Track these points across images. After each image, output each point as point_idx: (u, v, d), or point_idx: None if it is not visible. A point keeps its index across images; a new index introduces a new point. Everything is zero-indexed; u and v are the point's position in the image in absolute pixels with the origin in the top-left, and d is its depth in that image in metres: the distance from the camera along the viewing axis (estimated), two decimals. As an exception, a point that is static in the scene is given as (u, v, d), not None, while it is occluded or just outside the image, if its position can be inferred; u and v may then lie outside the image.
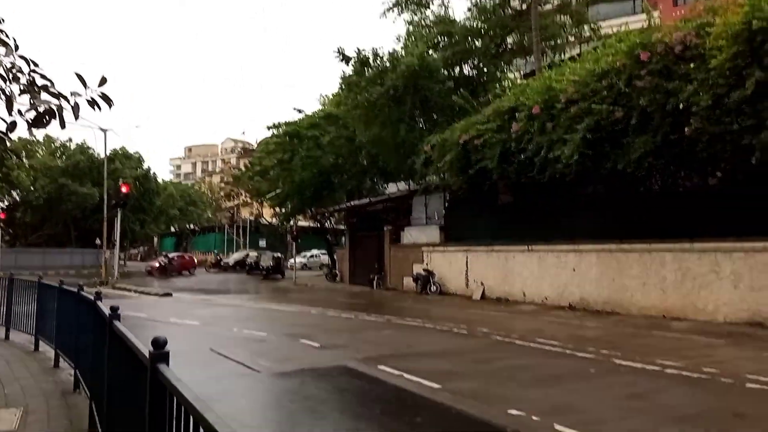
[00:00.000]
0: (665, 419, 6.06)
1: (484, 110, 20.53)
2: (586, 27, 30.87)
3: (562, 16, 31.21)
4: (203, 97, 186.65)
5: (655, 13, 16.80)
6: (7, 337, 11.46)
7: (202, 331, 13.75)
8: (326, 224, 42.34)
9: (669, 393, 7.16)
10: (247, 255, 48.51)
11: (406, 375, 8.15)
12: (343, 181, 31.68)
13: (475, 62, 27.78)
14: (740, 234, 12.81)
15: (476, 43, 27.59)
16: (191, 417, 2.08)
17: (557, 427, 5.77)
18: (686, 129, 12.37)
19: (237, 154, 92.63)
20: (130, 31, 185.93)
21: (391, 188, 30.23)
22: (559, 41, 30.78)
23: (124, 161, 52.80)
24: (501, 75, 28.14)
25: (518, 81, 27.51)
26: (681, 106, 12.45)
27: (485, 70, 27.44)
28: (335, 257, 36.70)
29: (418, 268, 23.86)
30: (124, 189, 32.65)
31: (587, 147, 14.66)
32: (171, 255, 49.30)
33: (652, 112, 13.28)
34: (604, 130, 14.44)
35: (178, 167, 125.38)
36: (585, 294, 16.64)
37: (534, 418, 6.11)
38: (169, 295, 24.70)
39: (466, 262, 21.63)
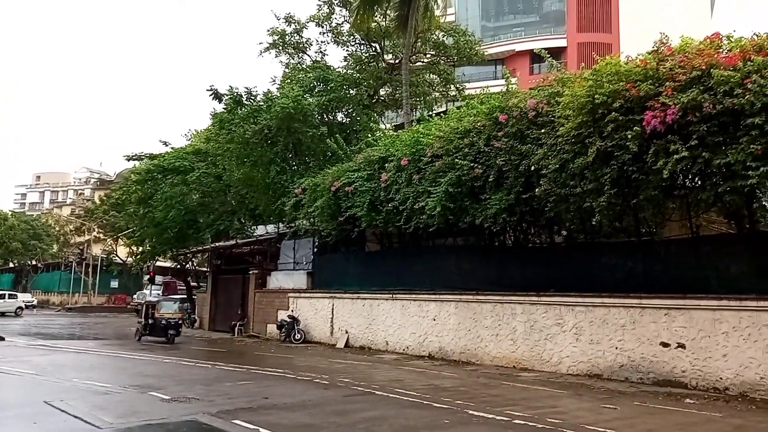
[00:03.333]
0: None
1: (355, 158, 20.93)
2: (452, 86, 32.96)
3: (430, 74, 33.12)
4: (59, 122, 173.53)
5: (513, 80, 18.22)
6: None
7: (36, 381, 12.46)
8: (187, 265, 40.40)
9: (516, 443, 7.47)
10: None
11: (261, 429, 7.84)
12: (210, 222, 30.50)
13: (349, 110, 28.45)
14: (581, 290, 13.89)
15: (351, 91, 28.32)
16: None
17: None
18: (536, 189, 13.38)
19: (92, 185, 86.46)
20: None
21: (260, 230, 29.63)
22: (427, 97, 32.55)
23: (-41, 187, 47.29)
24: (373, 125, 28.97)
25: (389, 132, 28.50)
26: (532, 167, 13.47)
27: (358, 118, 28.15)
28: (195, 301, 34.94)
29: (283, 315, 23.35)
30: (-46, 218, 29.04)
31: (449, 200, 15.36)
32: None
33: (508, 172, 14.26)
34: (465, 185, 15.24)
35: (24, 196, 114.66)
36: (444, 343, 17.13)
37: (388, 473, 6.07)
38: (0, 339, 22.09)
39: (332, 309, 21.54)
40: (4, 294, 43.40)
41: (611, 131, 11.67)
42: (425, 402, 10.09)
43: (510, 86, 17.69)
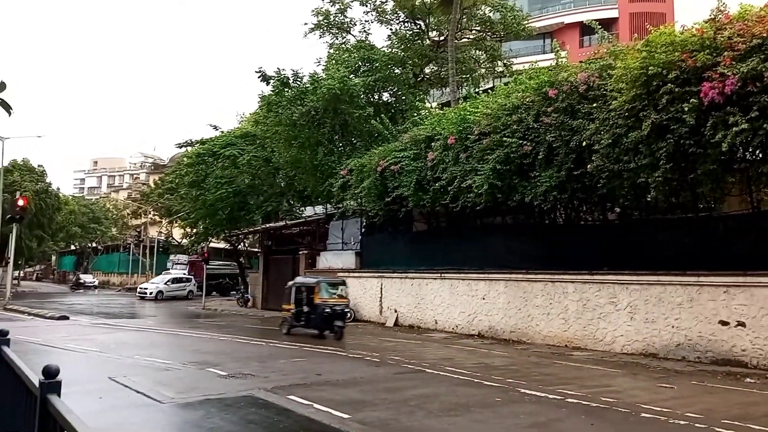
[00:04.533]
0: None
1: (401, 137, 20.92)
2: (499, 62, 32.33)
3: (477, 51, 32.57)
4: (115, 109, 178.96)
5: (563, 53, 17.75)
6: None
7: (101, 358, 13.01)
8: (239, 246, 41.33)
9: (569, 422, 7.44)
10: None
11: (315, 405, 8.02)
12: (260, 203, 31.15)
13: (395, 90, 28.34)
14: (636, 267, 13.58)
15: (396, 70, 28.19)
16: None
17: (463, 458, 5.83)
18: (588, 165, 13.09)
19: (147, 169, 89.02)
20: (34, 38, 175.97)
21: (309, 211, 30.03)
22: (473, 74, 32.06)
23: (24, 174, 49.46)
24: (419, 104, 28.82)
25: (435, 111, 28.29)
26: (584, 143, 13.18)
27: (404, 98, 28.03)
28: (248, 281, 35.83)
29: (332, 294, 23.65)
30: (21, 202, 30.46)
31: (497, 178, 15.21)
32: None
33: (558, 148, 13.99)
34: (514, 162, 15.05)
35: (83, 180, 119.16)
36: (493, 322, 17.09)
37: (441, 449, 6.15)
38: (65, 318, 23.22)
39: (381, 288, 21.73)
40: None
41: (666, 104, 11.31)
42: (476, 380, 10.13)
43: (560, 60, 17.26)
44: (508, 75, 29.67)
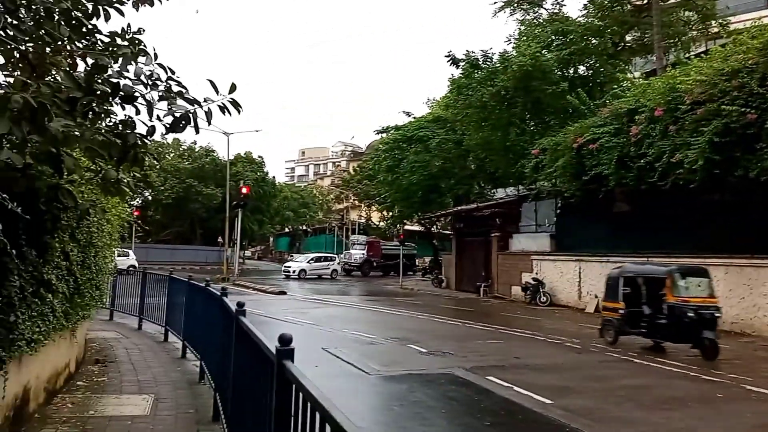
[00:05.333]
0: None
1: (600, 112, 19.82)
2: (713, 22, 28.80)
3: (686, 11, 29.34)
4: (319, 100, 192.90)
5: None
6: (140, 326, 12.46)
7: (314, 330, 14.25)
8: (432, 229, 42.40)
9: (810, 427, 6.55)
10: None
11: (515, 387, 8.04)
12: (451, 186, 31.64)
13: (591, 62, 26.77)
14: None
15: (592, 41, 26.55)
16: (318, 414, 2.13)
17: (679, 455, 5.44)
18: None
19: (347, 157, 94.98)
20: (249, 38, 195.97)
21: (500, 193, 29.79)
22: (683, 38, 28.97)
23: (246, 164, 55.66)
24: (619, 75, 26.88)
25: (638, 81, 26.16)
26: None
27: (602, 69, 26.37)
28: (441, 262, 36.68)
29: (526, 277, 23.30)
30: (244, 190, 34.57)
31: (715, 152, 13.76)
32: None
33: (792, 115, 12.18)
34: (735, 133, 13.49)
35: (292, 169, 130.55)
36: (711, 311, 15.44)
37: (653, 443, 5.81)
38: (283, 293, 25.82)
39: (579, 272, 20.83)
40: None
41: None
42: (692, 373, 9.37)
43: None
44: (724, 36, 26.32)
